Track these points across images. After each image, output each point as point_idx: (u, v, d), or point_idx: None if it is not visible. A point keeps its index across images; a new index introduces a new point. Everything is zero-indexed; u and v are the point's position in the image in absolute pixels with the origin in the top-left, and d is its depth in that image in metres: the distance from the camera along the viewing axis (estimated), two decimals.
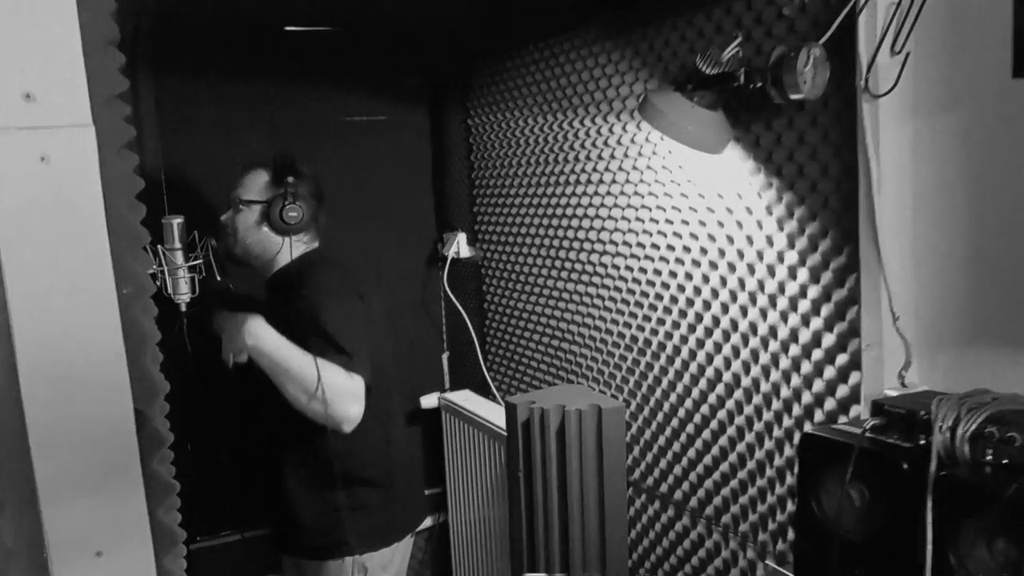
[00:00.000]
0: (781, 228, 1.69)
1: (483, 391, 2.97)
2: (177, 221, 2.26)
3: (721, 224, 1.84)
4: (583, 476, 1.94)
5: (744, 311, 1.81)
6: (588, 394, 2.10)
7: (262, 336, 1.92)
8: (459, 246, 2.96)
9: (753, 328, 1.79)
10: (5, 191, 0.86)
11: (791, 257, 1.67)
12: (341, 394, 1.87)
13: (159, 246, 2.22)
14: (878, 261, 1.49)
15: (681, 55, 1.89)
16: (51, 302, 0.89)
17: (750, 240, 1.77)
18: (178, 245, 2.26)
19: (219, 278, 2.30)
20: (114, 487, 0.94)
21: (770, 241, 1.72)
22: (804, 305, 1.66)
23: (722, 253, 1.85)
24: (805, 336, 1.66)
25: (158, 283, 2.25)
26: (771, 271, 1.73)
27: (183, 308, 2.30)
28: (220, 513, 2.69)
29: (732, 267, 1.83)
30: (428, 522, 3.23)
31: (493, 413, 2.73)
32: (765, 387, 1.78)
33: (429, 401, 3.06)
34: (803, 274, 1.65)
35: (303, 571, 2.18)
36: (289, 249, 2.16)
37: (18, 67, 0.86)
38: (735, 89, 1.59)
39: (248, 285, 2.41)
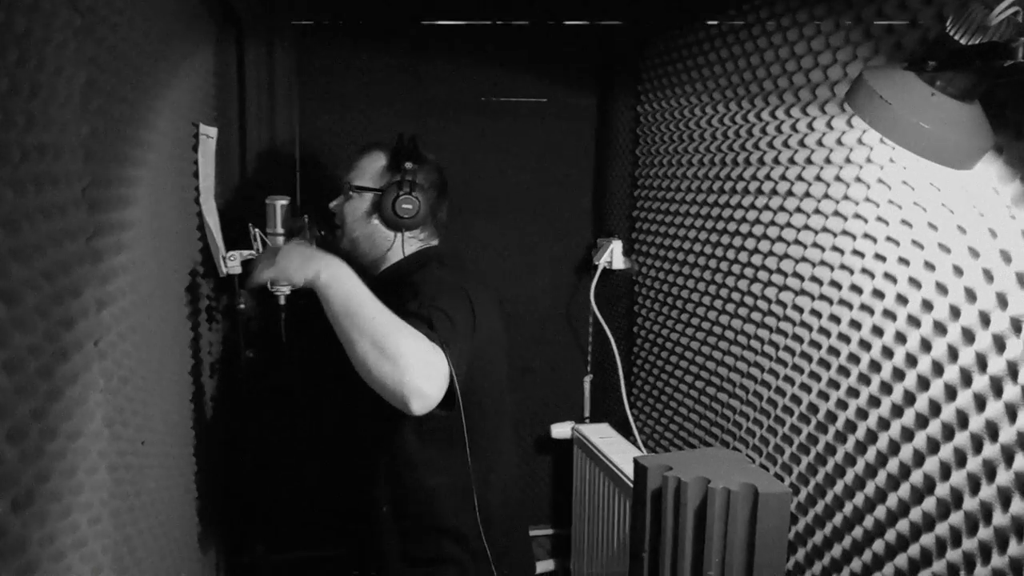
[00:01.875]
0: None
1: (624, 429, 2.50)
2: (281, 203, 1.99)
3: (959, 271, 1.26)
4: None
5: (980, 402, 1.22)
6: (744, 467, 1.59)
7: (339, 275, 1.49)
8: (612, 255, 2.50)
9: (992, 430, 1.20)
10: None
11: None
12: (417, 358, 1.40)
13: (257, 230, 1.97)
14: None
15: (924, 24, 1.32)
16: None
17: (1002, 300, 1.18)
18: (280, 230, 1.99)
19: None
20: None
21: None
22: None
23: (955, 313, 1.27)
24: None
25: None
26: None
27: (282, 301, 2.05)
28: (298, 527, 2.45)
29: (969, 335, 1.24)
30: (551, 565, 2.84)
31: (629, 460, 2.26)
32: (999, 518, 1.19)
33: (561, 431, 2.64)
34: None
35: None
36: (401, 246, 1.83)
37: None
38: (1005, 70, 1.02)
39: None
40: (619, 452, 2.33)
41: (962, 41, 1.04)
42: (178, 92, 1.59)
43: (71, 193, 0.85)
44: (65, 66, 0.83)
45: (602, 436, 2.47)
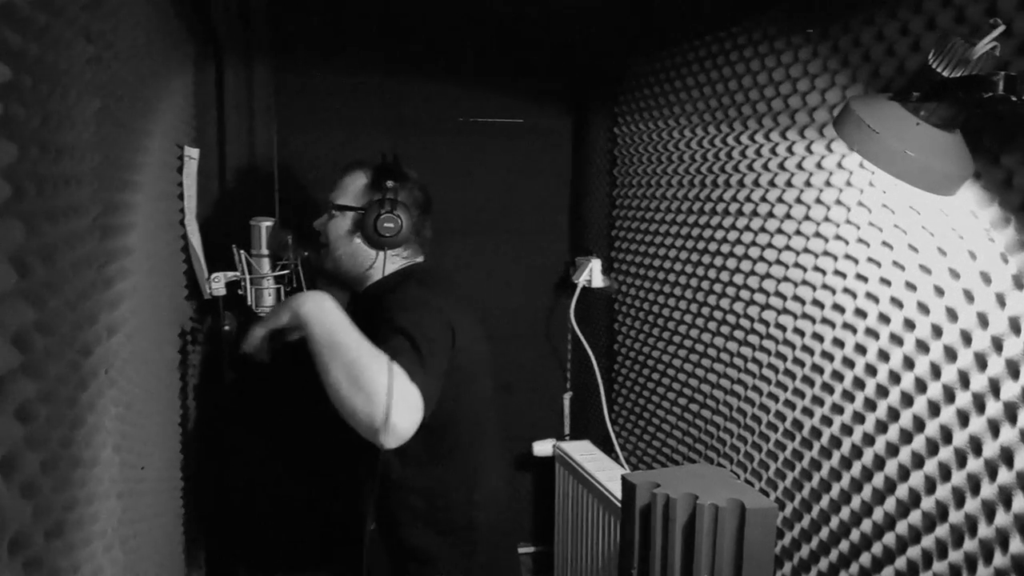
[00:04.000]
0: None
1: (606, 446, 2.52)
2: (266, 224, 2.00)
3: (940, 291, 1.31)
4: None
5: (963, 418, 1.27)
6: (729, 483, 1.62)
7: (322, 306, 1.52)
8: (592, 274, 2.54)
9: (976, 445, 1.25)
10: None
11: None
12: (390, 393, 1.40)
13: (242, 251, 1.96)
14: None
15: (900, 54, 1.37)
16: None
17: (983, 320, 1.23)
18: (265, 251, 2.00)
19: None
20: None
21: (1016, 326, 1.18)
22: None
23: (937, 331, 1.32)
24: None
25: (240, 292, 2.00)
26: (1012, 369, 1.19)
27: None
28: (281, 549, 2.42)
29: (951, 353, 1.29)
30: None
31: (613, 477, 2.29)
32: (984, 530, 1.24)
33: (543, 448, 2.65)
34: None
35: None
36: (383, 264, 1.82)
37: None
38: (984, 101, 1.08)
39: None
40: (602, 469, 2.35)
41: (944, 74, 1.09)
42: (164, 114, 1.59)
43: (86, 222, 0.85)
44: (83, 95, 0.83)
45: (584, 453, 2.49)
